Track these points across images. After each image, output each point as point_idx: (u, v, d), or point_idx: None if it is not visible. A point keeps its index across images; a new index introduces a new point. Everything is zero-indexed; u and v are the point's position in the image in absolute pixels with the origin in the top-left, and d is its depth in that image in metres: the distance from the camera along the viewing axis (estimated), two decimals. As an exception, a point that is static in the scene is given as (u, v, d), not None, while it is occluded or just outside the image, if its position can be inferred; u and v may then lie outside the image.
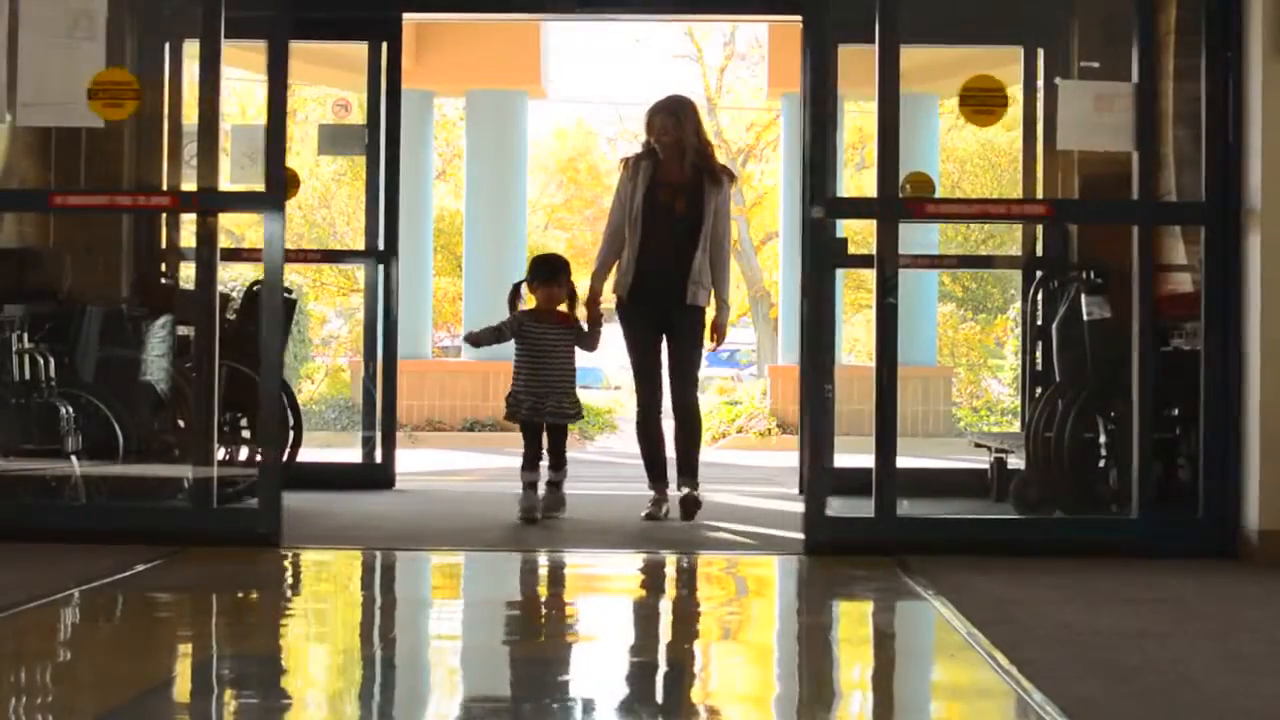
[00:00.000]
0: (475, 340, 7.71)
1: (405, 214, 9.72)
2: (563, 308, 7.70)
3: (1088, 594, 5.41)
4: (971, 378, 20.20)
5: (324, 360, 21.77)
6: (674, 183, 7.68)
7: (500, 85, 18.08)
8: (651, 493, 7.77)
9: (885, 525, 6.31)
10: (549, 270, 7.74)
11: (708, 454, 9.52)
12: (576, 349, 7.70)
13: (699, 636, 4.99)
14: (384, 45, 9.46)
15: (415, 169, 16.66)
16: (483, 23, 16.20)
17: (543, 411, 7.57)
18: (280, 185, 6.52)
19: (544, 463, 7.71)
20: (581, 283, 8.12)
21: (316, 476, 8.89)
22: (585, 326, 7.73)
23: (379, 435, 9.31)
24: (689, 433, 7.79)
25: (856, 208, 8.31)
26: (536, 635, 5.00)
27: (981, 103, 6.48)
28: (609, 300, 7.87)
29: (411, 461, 10.34)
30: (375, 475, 9.25)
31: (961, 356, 20.24)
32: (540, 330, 7.60)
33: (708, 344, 7.76)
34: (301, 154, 22.86)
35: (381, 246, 9.41)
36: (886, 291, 6.36)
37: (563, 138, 33.42)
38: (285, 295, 8.45)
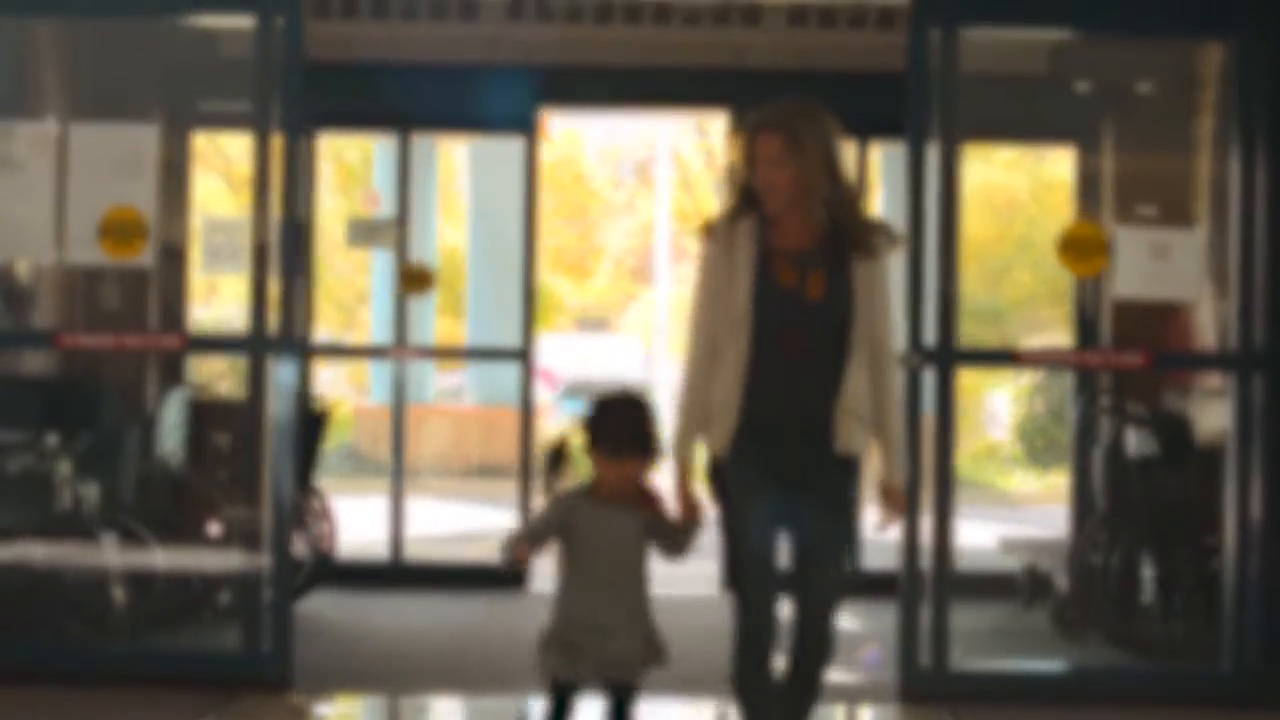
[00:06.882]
0: (512, 552, 4.47)
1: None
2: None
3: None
4: (968, 422, 20.25)
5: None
6: (797, 249, 4.51)
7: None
8: None
9: (939, 679, 6.32)
10: (628, 434, 4.45)
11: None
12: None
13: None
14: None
15: (420, 218, 16.62)
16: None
17: (600, 661, 4.40)
18: (292, 325, 6.23)
19: None
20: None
21: (361, 572, 9.05)
22: (670, 518, 4.49)
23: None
24: (808, 675, 4.55)
25: (958, 356, 6.81)
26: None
27: (1080, 250, 6.49)
28: None
29: (421, 516, 10.09)
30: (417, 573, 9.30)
31: (959, 402, 20.25)
32: (602, 519, 4.44)
33: (870, 518, 4.96)
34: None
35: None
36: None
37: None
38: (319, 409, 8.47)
